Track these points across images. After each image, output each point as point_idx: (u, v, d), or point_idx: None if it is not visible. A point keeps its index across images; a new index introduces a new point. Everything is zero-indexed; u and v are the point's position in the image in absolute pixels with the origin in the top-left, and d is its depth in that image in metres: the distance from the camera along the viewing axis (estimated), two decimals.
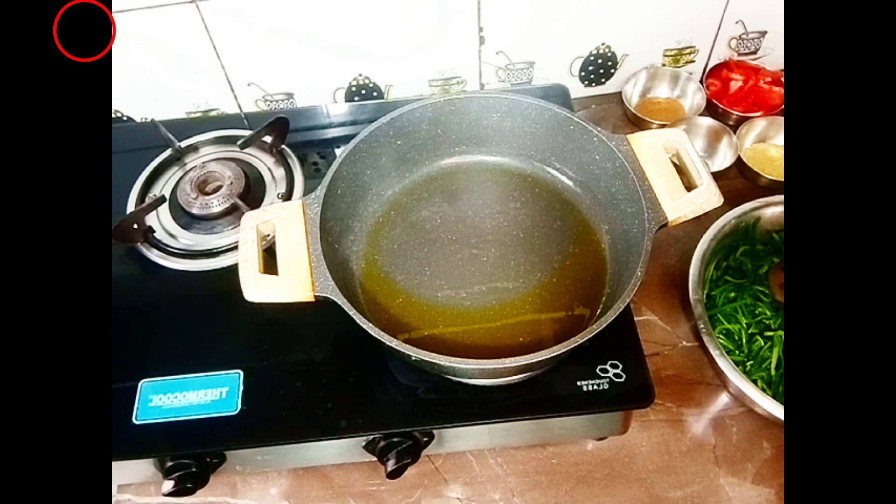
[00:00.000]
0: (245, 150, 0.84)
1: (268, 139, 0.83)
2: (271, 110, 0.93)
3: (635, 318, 0.65)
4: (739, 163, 0.85)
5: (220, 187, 0.77)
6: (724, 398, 0.71)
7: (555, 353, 0.52)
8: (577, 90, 0.97)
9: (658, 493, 0.66)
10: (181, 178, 0.80)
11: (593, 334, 0.53)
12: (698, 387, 0.72)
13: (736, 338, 0.70)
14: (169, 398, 0.62)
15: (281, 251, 0.59)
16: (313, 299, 0.56)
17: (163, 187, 0.81)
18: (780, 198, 0.76)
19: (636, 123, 0.93)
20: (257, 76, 0.89)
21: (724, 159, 0.87)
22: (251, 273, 0.57)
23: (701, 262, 0.71)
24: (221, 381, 0.63)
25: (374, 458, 0.62)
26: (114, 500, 0.68)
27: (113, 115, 0.92)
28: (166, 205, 0.78)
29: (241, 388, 0.62)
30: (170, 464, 0.60)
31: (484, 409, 0.60)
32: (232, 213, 0.77)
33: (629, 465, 0.68)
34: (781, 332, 0.68)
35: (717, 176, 0.73)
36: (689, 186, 0.61)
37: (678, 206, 0.60)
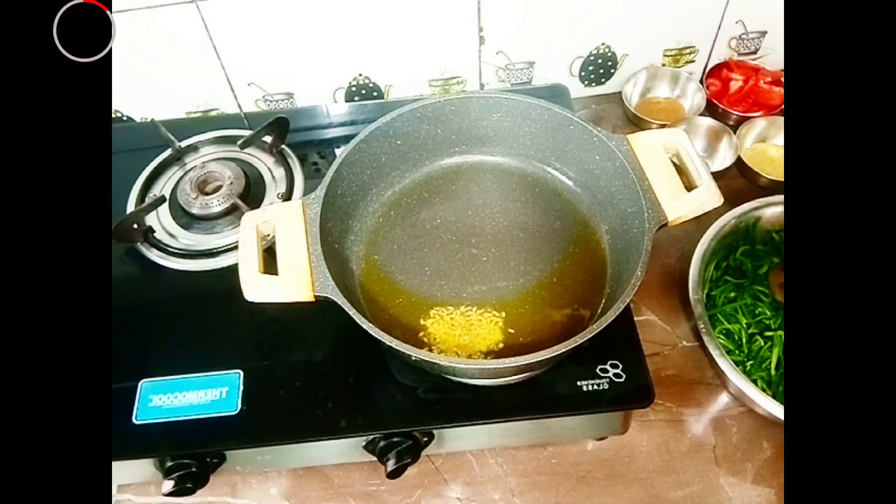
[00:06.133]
0: (245, 150, 0.84)
1: (268, 139, 0.83)
2: (271, 110, 0.93)
3: (635, 318, 0.65)
4: (739, 163, 0.85)
5: (220, 187, 0.77)
6: (724, 398, 0.71)
7: (555, 354, 0.52)
8: (577, 90, 0.97)
9: (658, 493, 0.66)
10: (181, 178, 0.80)
11: (593, 334, 0.53)
12: (698, 387, 0.72)
13: (736, 338, 0.70)
14: (169, 398, 0.62)
15: (281, 251, 0.59)
16: (313, 299, 0.56)
17: (163, 187, 0.81)
18: (780, 198, 0.76)
19: (636, 123, 0.93)
20: (257, 76, 0.89)
21: (724, 159, 0.87)
22: (251, 273, 0.57)
23: (701, 262, 0.71)
24: (221, 381, 0.63)
25: (374, 458, 0.62)
26: (114, 500, 0.68)
27: (113, 115, 0.92)
28: (166, 205, 0.78)
29: (241, 388, 0.62)
30: (170, 464, 0.60)
31: (484, 409, 0.60)
32: (232, 213, 0.77)
33: (629, 465, 0.68)
34: (781, 332, 0.68)
35: (717, 176, 0.73)
36: (689, 186, 0.61)
37: (678, 206, 0.60)
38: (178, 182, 0.80)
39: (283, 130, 0.82)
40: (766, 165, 0.86)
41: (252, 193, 0.79)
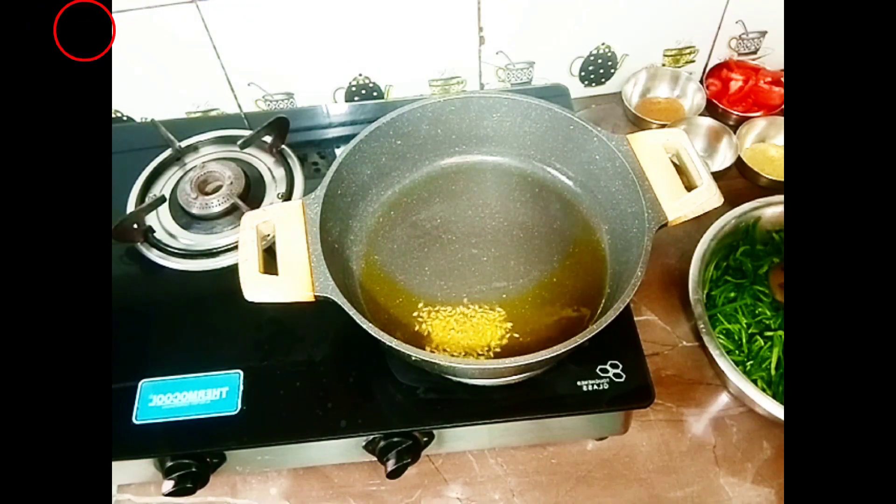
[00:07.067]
0: (245, 150, 0.84)
1: (268, 139, 0.83)
2: (271, 110, 0.93)
3: (635, 318, 0.65)
4: (739, 163, 0.85)
5: (220, 187, 0.77)
6: (724, 398, 0.71)
7: (555, 353, 0.52)
8: (577, 90, 0.97)
9: (658, 493, 0.66)
10: (181, 178, 0.80)
11: (593, 334, 0.53)
12: (698, 387, 0.72)
13: (736, 338, 0.70)
14: (169, 398, 0.62)
15: (281, 251, 0.59)
16: (313, 299, 0.56)
17: (163, 187, 0.81)
18: (780, 198, 0.76)
19: (636, 123, 0.93)
20: (257, 76, 0.89)
21: (724, 159, 0.87)
22: (251, 273, 0.57)
23: (701, 262, 0.71)
24: (221, 381, 0.63)
25: (374, 458, 0.62)
26: (114, 500, 0.68)
27: (113, 115, 0.92)
28: (166, 205, 0.78)
29: (241, 388, 0.62)
30: (170, 464, 0.60)
31: (484, 409, 0.60)
32: (232, 213, 0.77)
33: (629, 465, 0.68)
34: (781, 332, 0.68)
35: (717, 176, 0.73)
36: (689, 186, 0.61)
37: (678, 206, 0.60)
38: (178, 182, 0.80)
39: (283, 130, 0.82)
40: (766, 165, 0.86)
41: (252, 193, 0.79)
